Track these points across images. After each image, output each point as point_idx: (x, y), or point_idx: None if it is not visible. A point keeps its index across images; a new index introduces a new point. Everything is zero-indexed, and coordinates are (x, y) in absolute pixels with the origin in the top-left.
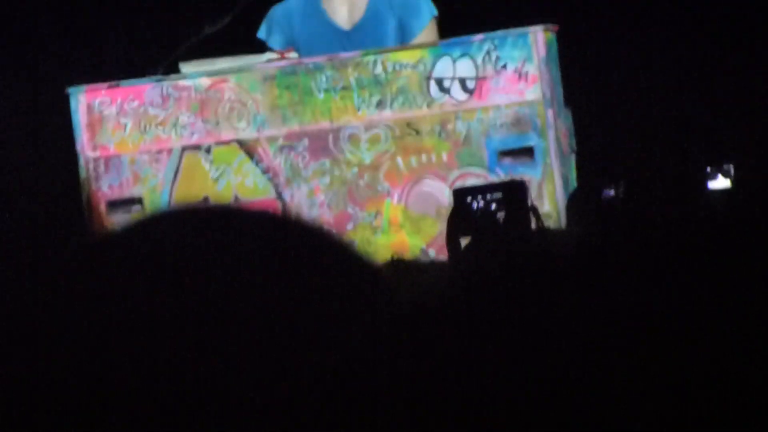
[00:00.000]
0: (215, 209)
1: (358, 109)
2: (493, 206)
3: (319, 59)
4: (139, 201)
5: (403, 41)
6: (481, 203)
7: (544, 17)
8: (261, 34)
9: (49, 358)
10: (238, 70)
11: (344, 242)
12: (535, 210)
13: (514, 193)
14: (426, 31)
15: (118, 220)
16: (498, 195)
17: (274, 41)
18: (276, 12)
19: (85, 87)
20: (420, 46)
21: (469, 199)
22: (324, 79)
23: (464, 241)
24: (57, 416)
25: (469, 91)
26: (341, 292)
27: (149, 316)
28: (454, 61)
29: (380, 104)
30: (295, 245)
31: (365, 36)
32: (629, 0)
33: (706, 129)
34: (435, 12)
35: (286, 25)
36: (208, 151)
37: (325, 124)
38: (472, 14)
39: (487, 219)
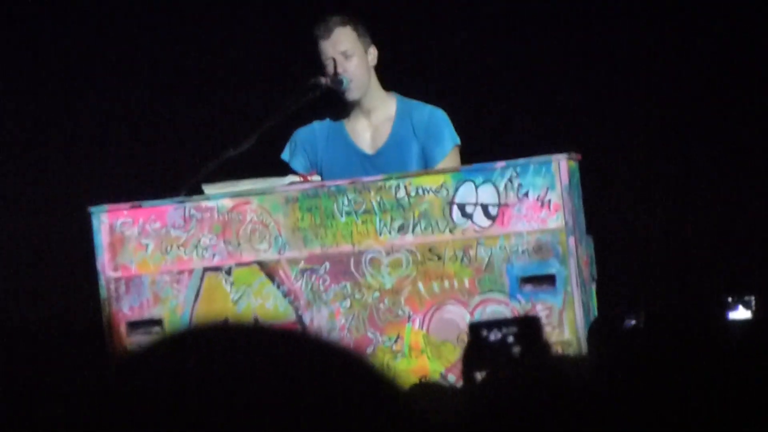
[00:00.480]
0: (237, 328)
1: (380, 233)
2: (510, 340)
3: (342, 183)
4: (159, 322)
5: (425, 167)
6: (498, 337)
7: (568, 146)
8: (284, 155)
9: None
10: (261, 192)
11: (368, 363)
12: (546, 345)
13: (530, 328)
14: (448, 158)
15: (138, 341)
16: (514, 329)
17: (297, 163)
18: (300, 135)
19: (107, 207)
20: (443, 172)
21: (484, 333)
22: (346, 202)
23: (480, 375)
24: None
25: (492, 218)
26: (365, 412)
27: None
28: (476, 187)
29: (402, 228)
30: (319, 365)
31: (388, 161)
32: (649, 131)
33: (729, 259)
34: (457, 140)
35: (310, 148)
36: (228, 272)
37: (346, 247)
38: (495, 142)
39: (502, 353)
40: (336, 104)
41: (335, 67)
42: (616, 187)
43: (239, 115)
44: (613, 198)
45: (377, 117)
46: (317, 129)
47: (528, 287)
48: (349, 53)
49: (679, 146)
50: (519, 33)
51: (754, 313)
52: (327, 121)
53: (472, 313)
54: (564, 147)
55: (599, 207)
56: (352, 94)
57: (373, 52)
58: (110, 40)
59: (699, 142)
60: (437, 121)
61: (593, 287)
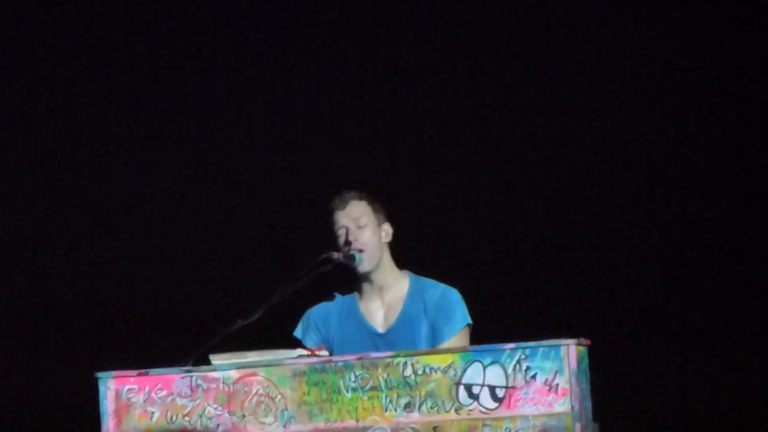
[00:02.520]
0: None
1: (386, 410)
2: None
3: (349, 358)
4: None
5: (434, 345)
6: None
7: (576, 332)
8: (297, 333)
9: None
10: (268, 364)
11: None
12: None
13: None
14: (456, 337)
15: None
16: None
17: (310, 340)
18: (313, 313)
19: (114, 373)
20: (451, 351)
21: None
22: (353, 378)
23: None
24: None
25: (498, 399)
26: None
27: None
28: (484, 368)
29: (408, 406)
30: None
31: (398, 338)
32: (659, 319)
33: None
34: (469, 320)
35: (323, 325)
36: None
37: (351, 423)
38: (505, 326)
39: None
40: (350, 281)
41: (347, 235)
42: (624, 374)
43: (249, 287)
44: (621, 385)
45: (390, 295)
46: (331, 307)
47: None
48: (362, 223)
49: (689, 332)
50: (541, 215)
51: None
52: (340, 299)
53: None
54: (573, 332)
55: (607, 394)
56: (363, 266)
57: (387, 229)
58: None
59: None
60: (450, 299)
61: None
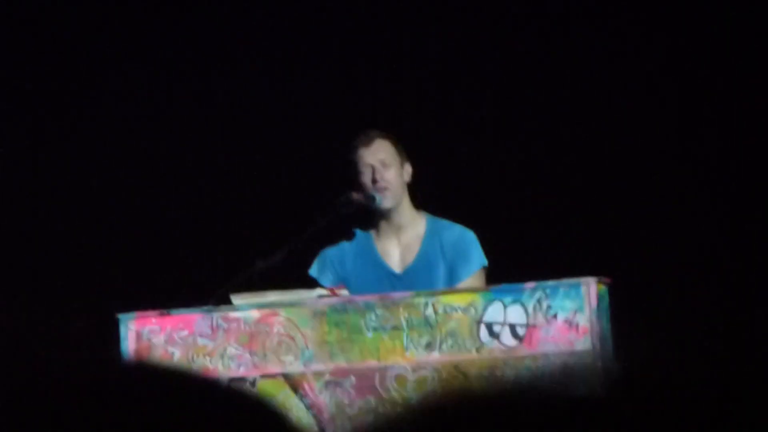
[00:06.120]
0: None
1: (407, 350)
2: None
3: (371, 298)
4: None
5: (450, 285)
6: None
7: (597, 270)
8: (312, 272)
9: None
10: (289, 305)
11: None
12: None
13: None
14: (472, 278)
15: None
16: None
17: (325, 279)
18: (328, 252)
19: (135, 314)
20: (472, 291)
21: None
22: (374, 317)
23: None
24: None
25: (519, 338)
26: None
27: None
28: (505, 307)
29: (429, 346)
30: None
31: (415, 279)
32: (681, 254)
33: None
34: (485, 262)
35: (338, 264)
36: (253, 383)
37: (372, 362)
38: (524, 264)
39: None
40: (366, 221)
41: (372, 174)
42: (645, 313)
43: (270, 228)
44: (642, 323)
45: (407, 235)
46: (346, 246)
47: None
48: (387, 162)
49: (713, 274)
50: (558, 155)
51: None
52: (356, 238)
53: None
54: (594, 270)
55: (628, 332)
56: (385, 203)
57: (408, 169)
58: (134, 153)
59: (738, 268)
60: (466, 241)
61: None
